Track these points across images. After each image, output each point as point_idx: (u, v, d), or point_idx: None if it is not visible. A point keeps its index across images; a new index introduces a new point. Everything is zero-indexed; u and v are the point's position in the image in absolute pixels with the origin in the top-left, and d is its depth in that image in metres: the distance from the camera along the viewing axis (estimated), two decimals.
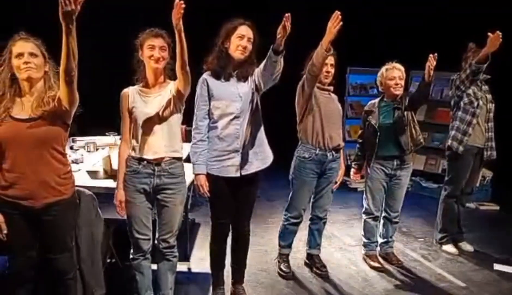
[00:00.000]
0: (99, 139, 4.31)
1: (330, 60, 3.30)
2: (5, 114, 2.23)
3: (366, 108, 3.70)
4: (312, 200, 3.53)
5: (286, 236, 3.55)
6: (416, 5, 5.88)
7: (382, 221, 3.79)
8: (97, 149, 4.10)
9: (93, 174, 3.34)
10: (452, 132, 3.87)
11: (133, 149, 2.62)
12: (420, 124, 3.69)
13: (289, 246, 3.59)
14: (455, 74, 3.84)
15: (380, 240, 3.85)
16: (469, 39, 3.85)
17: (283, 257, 3.58)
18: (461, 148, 3.80)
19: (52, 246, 2.42)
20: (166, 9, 2.33)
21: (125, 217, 2.67)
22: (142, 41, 2.57)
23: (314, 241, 3.64)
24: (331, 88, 3.40)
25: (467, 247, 4.07)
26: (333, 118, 3.35)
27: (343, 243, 4.09)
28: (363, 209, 3.78)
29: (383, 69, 3.60)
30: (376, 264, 3.71)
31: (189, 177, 3.26)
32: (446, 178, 4.01)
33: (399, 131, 3.50)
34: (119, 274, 3.25)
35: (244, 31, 2.70)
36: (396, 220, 3.76)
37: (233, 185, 2.82)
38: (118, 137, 2.57)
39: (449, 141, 3.88)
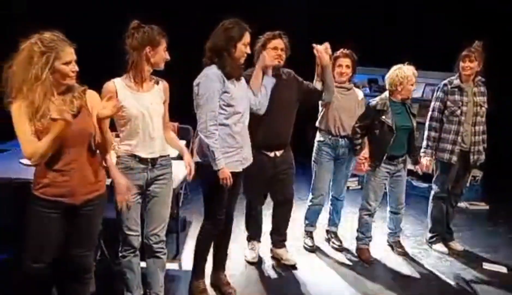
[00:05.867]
0: None
1: (345, 61, 3.64)
2: (47, 117, 2.12)
3: (377, 106, 3.57)
4: (330, 183, 3.90)
5: (310, 216, 3.97)
6: (411, 4, 5.93)
7: (388, 215, 3.95)
8: None
9: None
10: (440, 145, 3.80)
11: (125, 146, 2.57)
12: None
13: (312, 225, 4.00)
14: (443, 81, 3.83)
15: (388, 231, 4.03)
16: (463, 40, 3.84)
17: (308, 233, 4.01)
18: (454, 158, 3.77)
19: (82, 243, 2.39)
20: None
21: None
22: (156, 41, 2.47)
23: (333, 219, 4.06)
24: (350, 86, 3.73)
25: (457, 246, 4.09)
26: (346, 111, 3.67)
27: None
28: (360, 206, 3.84)
29: (395, 70, 3.55)
30: (367, 257, 3.79)
31: (179, 174, 3.26)
32: (433, 178, 4.03)
33: (412, 135, 3.69)
34: (109, 271, 3.22)
35: (249, 38, 2.81)
36: (402, 211, 3.90)
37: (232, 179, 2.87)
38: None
39: (439, 154, 3.81)
